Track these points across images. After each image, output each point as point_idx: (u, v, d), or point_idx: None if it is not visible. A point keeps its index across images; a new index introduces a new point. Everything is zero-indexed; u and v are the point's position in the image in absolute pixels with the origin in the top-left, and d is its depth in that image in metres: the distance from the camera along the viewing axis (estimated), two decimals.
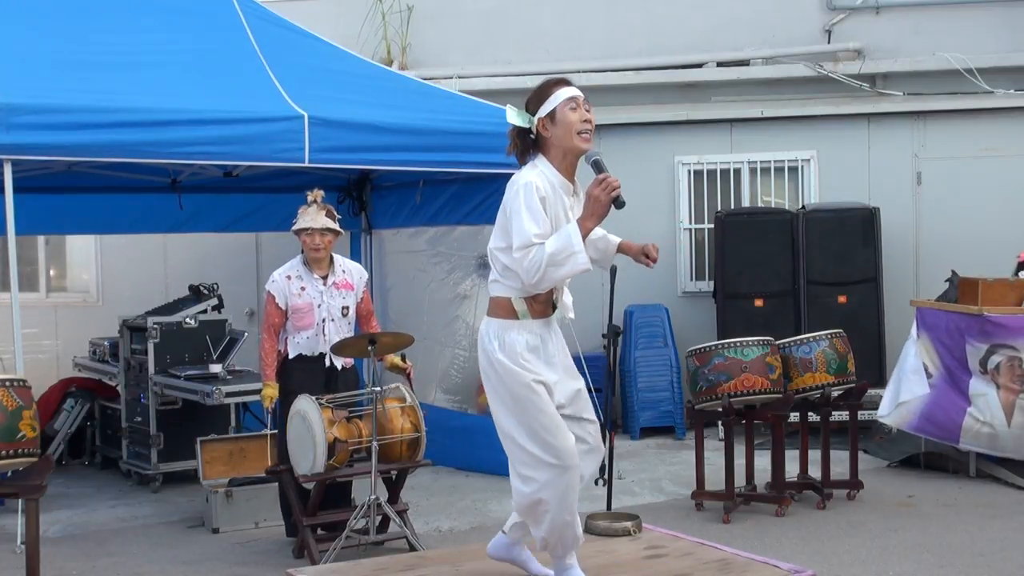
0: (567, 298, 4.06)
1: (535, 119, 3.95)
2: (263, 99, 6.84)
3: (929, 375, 7.72)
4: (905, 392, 7.79)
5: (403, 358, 6.30)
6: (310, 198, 6.24)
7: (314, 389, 6.03)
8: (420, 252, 8.89)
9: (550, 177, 3.94)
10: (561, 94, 3.93)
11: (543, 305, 3.98)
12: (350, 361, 6.36)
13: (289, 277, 6.24)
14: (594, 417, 4.09)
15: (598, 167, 3.92)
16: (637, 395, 9.69)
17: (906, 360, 7.86)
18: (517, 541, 4.27)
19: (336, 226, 6.25)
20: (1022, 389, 7.34)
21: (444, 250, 8.67)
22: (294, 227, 6.23)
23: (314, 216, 6.17)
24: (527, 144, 3.99)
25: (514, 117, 3.94)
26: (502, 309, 4.00)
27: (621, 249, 4.35)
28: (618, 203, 3.83)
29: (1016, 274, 8.12)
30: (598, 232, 4.25)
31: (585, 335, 8.89)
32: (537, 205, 3.82)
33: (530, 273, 3.81)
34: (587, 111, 3.96)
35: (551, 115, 3.93)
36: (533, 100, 3.98)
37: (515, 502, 4.01)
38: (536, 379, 3.88)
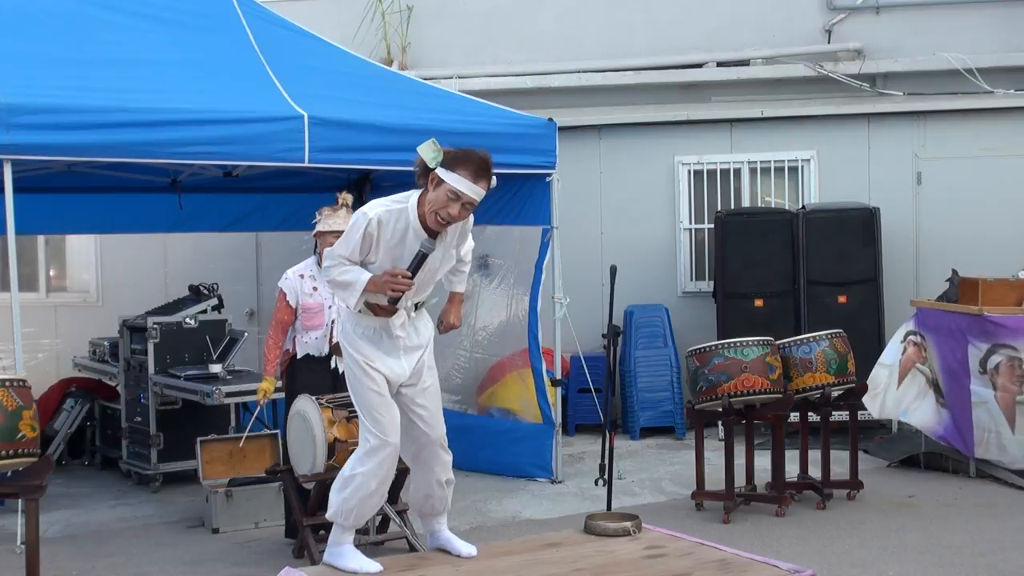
0: (396, 320, 4.51)
1: (437, 168, 4.28)
2: (263, 99, 6.84)
3: (940, 395, 7.73)
4: (918, 419, 7.83)
5: None
6: (341, 200, 6.28)
7: (321, 390, 6.04)
8: None
9: (409, 220, 4.34)
10: (458, 182, 4.24)
11: (385, 311, 4.46)
12: None
13: (302, 276, 6.27)
14: (429, 409, 4.62)
15: (415, 259, 4.33)
16: (637, 395, 9.69)
17: (913, 379, 7.90)
18: (433, 530, 4.81)
19: None
20: (1020, 390, 7.34)
21: None
22: (324, 228, 6.22)
23: (345, 219, 6.21)
24: (426, 172, 4.34)
25: (427, 152, 4.29)
26: None
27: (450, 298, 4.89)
28: (390, 301, 4.35)
29: None
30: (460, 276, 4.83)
31: (585, 335, 8.90)
32: (356, 236, 4.33)
33: (325, 273, 4.51)
34: (463, 207, 4.29)
35: (440, 182, 4.26)
36: (451, 157, 4.29)
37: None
38: (367, 363, 4.45)
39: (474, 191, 4.26)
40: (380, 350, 4.49)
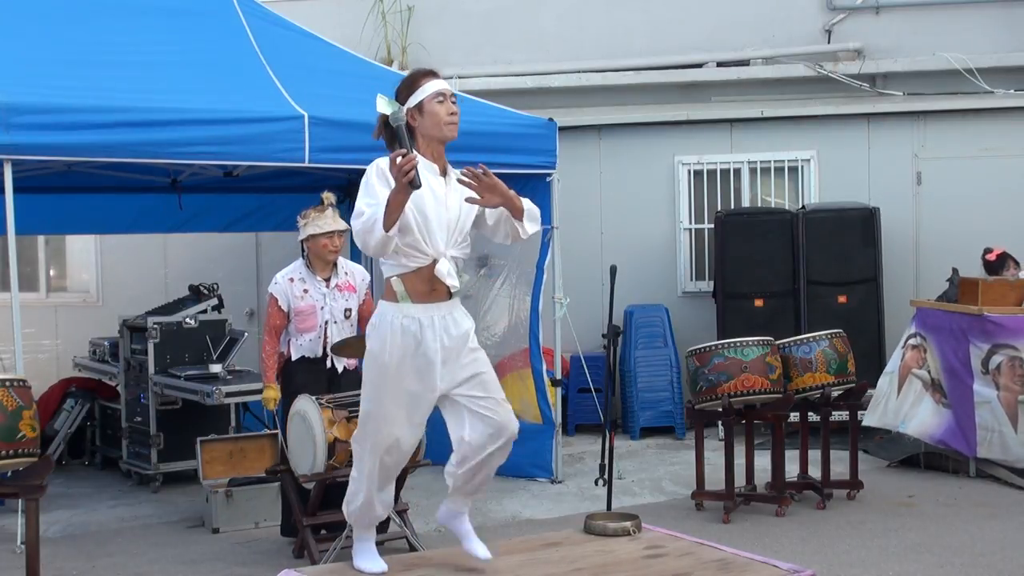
0: (442, 267, 4.10)
1: (404, 109, 4.12)
2: (263, 99, 6.84)
3: (943, 395, 7.74)
4: (915, 427, 7.86)
5: None
6: (326, 201, 6.24)
7: (317, 391, 6.03)
8: None
9: (415, 159, 4.01)
10: (429, 87, 4.14)
11: (425, 285, 4.11)
12: (353, 363, 6.36)
13: (292, 279, 6.24)
14: (492, 394, 4.20)
15: (401, 136, 4.02)
16: (637, 395, 9.69)
17: (910, 385, 7.91)
18: (457, 512, 4.47)
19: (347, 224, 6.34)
20: (1022, 389, 7.34)
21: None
22: (315, 231, 6.17)
23: (334, 219, 6.21)
24: (393, 131, 4.12)
25: (384, 106, 4.09)
26: (387, 291, 4.18)
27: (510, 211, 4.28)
28: (413, 184, 3.90)
29: (1000, 274, 8.10)
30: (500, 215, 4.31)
31: (585, 335, 8.90)
32: (373, 182, 4.03)
33: (358, 237, 4.03)
34: (453, 103, 4.16)
35: (419, 107, 4.14)
36: (403, 91, 4.17)
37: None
38: (394, 371, 4.09)
39: (444, 84, 4.19)
40: (415, 349, 4.09)
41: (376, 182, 4.04)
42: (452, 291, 4.15)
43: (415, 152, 3.98)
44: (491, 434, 4.20)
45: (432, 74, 4.21)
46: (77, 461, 9.04)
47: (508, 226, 4.26)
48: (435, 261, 4.09)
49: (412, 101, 4.15)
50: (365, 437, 4.26)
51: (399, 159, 3.86)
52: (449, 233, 4.15)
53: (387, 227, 3.92)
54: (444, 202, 4.14)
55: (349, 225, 6.27)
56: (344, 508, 4.55)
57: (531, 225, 4.26)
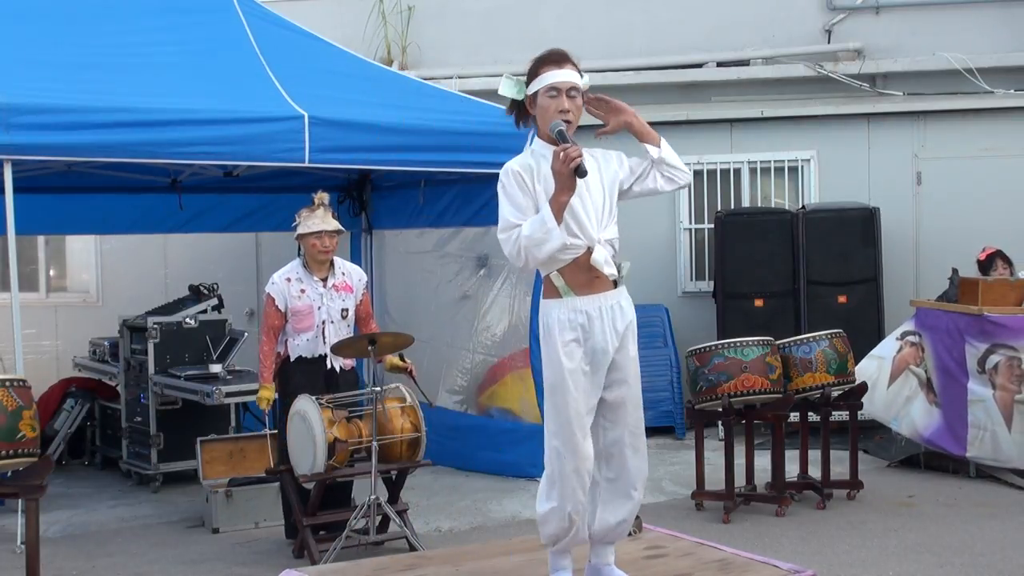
0: (599, 255, 3.89)
1: (526, 93, 3.94)
2: (263, 99, 6.84)
3: (933, 394, 7.74)
4: (907, 427, 7.87)
5: (401, 357, 6.30)
6: (317, 200, 6.23)
7: (314, 391, 6.03)
8: (428, 253, 8.88)
9: (541, 151, 3.90)
10: (545, 78, 3.91)
11: (584, 275, 3.89)
12: (350, 362, 6.36)
13: (289, 279, 6.23)
14: (629, 422, 4.19)
15: (562, 137, 3.84)
16: None
17: (906, 380, 7.93)
18: (601, 564, 4.24)
19: (340, 226, 6.30)
20: (1019, 389, 7.35)
21: (453, 251, 8.67)
22: (303, 230, 6.17)
23: (324, 218, 6.19)
24: (523, 111, 3.98)
25: (506, 89, 3.94)
26: (547, 289, 3.96)
27: (643, 140, 4.17)
28: (580, 172, 3.73)
29: (989, 274, 8.10)
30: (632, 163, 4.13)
31: None
32: (514, 190, 3.82)
33: (513, 255, 3.80)
34: (570, 98, 3.93)
35: (534, 96, 3.94)
36: (529, 73, 3.96)
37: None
38: (572, 369, 3.93)
39: (566, 75, 3.94)
40: (582, 347, 4.00)
41: (518, 190, 3.81)
42: (614, 280, 3.98)
43: (575, 143, 3.78)
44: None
45: (555, 62, 3.95)
46: (77, 461, 9.03)
47: (652, 167, 4.10)
48: (590, 250, 3.86)
49: (530, 89, 3.94)
50: (562, 450, 4.03)
51: (561, 153, 3.69)
52: (598, 216, 3.91)
53: (560, 236, 3.74)
54: (585, 185, 3.88)
55: (342, 226, 6.33)
56: (545, 541, 4.20)
57: (668, 152, 4.11)
